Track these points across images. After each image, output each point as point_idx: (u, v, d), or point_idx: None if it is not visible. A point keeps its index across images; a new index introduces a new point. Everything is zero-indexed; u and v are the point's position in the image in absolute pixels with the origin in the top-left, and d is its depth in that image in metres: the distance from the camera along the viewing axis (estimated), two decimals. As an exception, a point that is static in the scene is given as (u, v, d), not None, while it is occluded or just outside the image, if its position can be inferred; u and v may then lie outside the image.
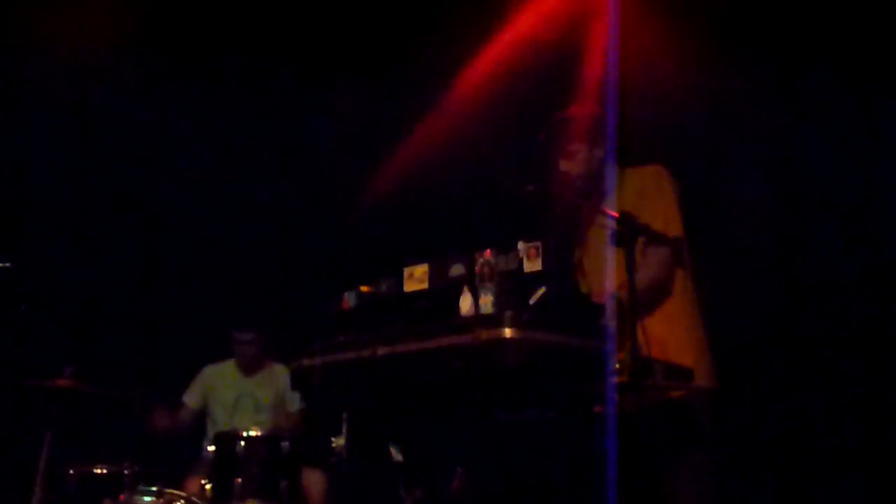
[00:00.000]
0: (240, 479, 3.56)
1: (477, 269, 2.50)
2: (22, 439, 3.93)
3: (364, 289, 2.85)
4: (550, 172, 3.01)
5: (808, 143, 3.71)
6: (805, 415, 3.64)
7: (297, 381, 2.97)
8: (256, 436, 3.70)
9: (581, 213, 3.18)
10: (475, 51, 4.27)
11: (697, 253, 3.05)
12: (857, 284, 3.59)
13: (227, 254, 5.02)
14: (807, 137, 3.71)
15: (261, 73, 4.80)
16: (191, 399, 4.47)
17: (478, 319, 2.38)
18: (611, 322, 2.56)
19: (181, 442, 4.50)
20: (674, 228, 2.93)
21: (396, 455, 3.01)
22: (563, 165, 3.03)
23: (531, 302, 2.42)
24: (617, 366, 2.50)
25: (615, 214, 2.59)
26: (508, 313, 2.30)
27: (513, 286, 2.44)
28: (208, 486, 3.62)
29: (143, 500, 3.60)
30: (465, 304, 2.50)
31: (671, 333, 2.90)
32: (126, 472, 3.71)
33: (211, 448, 3.76)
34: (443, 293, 2.58)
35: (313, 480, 3.98)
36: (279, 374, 4.48)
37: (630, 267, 2.46)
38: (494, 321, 2.32)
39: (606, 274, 2.92)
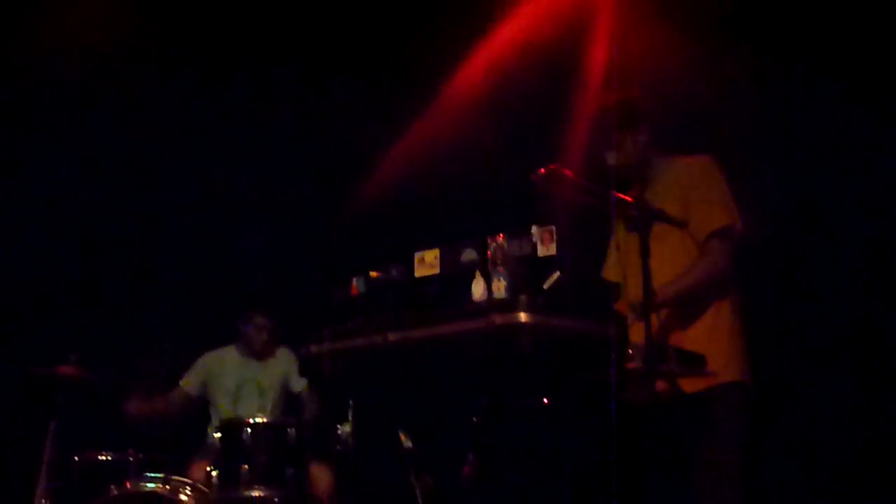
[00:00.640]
0: (246, 467, 3.54)
1: (489, 253, 2.47)
2: (26, 427, 3.90)
3: (373, 274, 2.82)
4: (563, 154, 2.96)
5: (811, 141, 3.68)
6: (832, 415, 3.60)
7: (306, 368, 2.95)
8: (263, 423, 3.69)
9: (599, 199, 3.10)
10: (483, 35, 4.23)
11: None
12: (863, 282, 3.57)
13: (235, 239, 4.99)
14: (810, 136, 3.68)
15: (269, 55, 4.75)
16: (187, 383, 4.42)
17: (492, 304, 2.35)
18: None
19: (185, 428, 4.47)
20: (739, 223, 2.86)
21: (406, 442, 2.99)
22: (611, 158, 2.92)
23: (545, 287, 2.39)
24: (630, 352, 2.48)
25: (629, 199, 2.55)
26: (523, 297, 2.27)
27: (526, 271, 2.41)
28: (214, 473, 3.60)
29: (149, 487, 3.58)
30: (478, 289, 2.47)
31: (697, 324, 2.84)
32: (131, 459, 3.70)
33: (217, 435, 3.74)
34: (454, 278, 2.56)
35: (320, 473, 3.96)
36: (282, 358, 4.46)
37: (644, 252, 2.43)
38: (509, 305, 2.29)
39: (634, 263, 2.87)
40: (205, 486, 3.60)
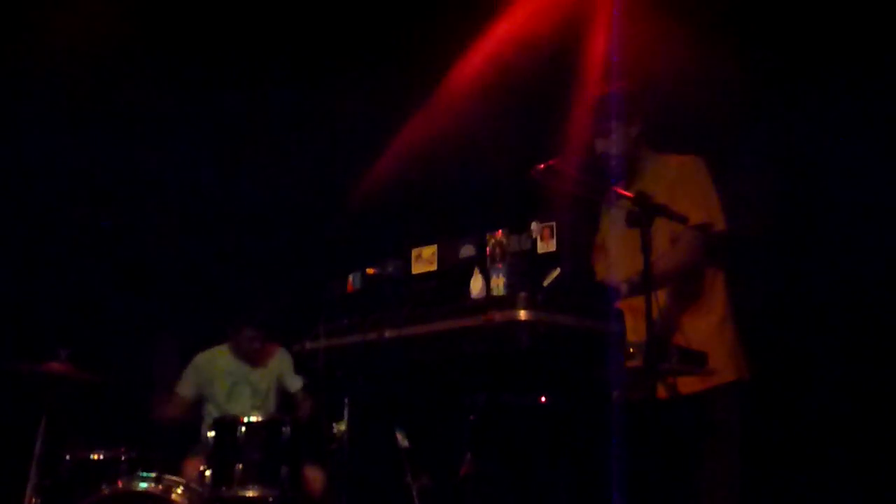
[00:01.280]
0: (240, 465, 3.50)
1: (488, 249, 2.43)
2: (17, 424, 3.86)
3: (370, 271, 2.78)
4: (562, 149, 2.93)
5: (813, 140, 3.67)
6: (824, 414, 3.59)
7: (301, 366, 2.91)
8: (257, 421, 3.64)
9: (599, 194, 3.09)
10: (482, 30, 4.19)
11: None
12: (865, 281, 3.55)
13: (230, 235, 4.94)
14: (812, 134, 3.66)
15: (266, 51, 4.71)
16: (184, 390, 4.37)
17: (490, 301, 2.32)
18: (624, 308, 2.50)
19: (179, 427, 4.42)
20: (718, 222, 2.85)
21: (403, 441, 2.95)
22: (600, 145, 2.94)
23: (545, 283, 2.36)
24: (630, 350, 2.45)
25: (630, 195, 2.52)
26: (522, 294, 2.23)
27: (526, 267, 2.37)
28: (207, 472, 3.55)
29: (141, 486, 3.53)
30: (476, 285, 2.43)
31: (699, 325, 2.84)
32: (123, 457, 3.66)
33: (211, 434, 3.69)
34: (452, 275, 2.51)
35: (313, 476, 3.92)
36: (277, 358, 4.41)
37: (646, 248, 2.40)
38: (508, 302, 2.25)
39: (622, 255, 2.87)
40: (198, 485, 3.55)
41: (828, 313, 3.60)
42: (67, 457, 3.63)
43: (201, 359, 4.44)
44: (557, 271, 2.35)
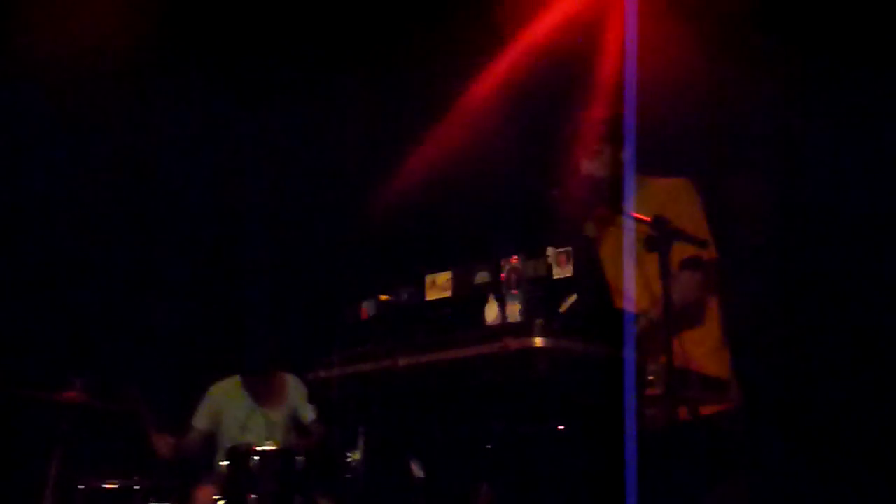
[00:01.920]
0: (253, 495, 3.46)
1: (503, 276, 2.40)
2: (31, 453, 3.84)
3: (384, 297, 2.76)
4: (572, 174, 2.90)
5: (821, 146, 3.64)
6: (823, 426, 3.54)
7: (314, 394, 2.88)
8: (271, 450, 3.60)
9: (599, 215, 3.06)
10: (494, 55, 4.20)
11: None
12: (866, 288, 3.51)
13: (244, 262, 4.93)
14: (820, 140, 3.64)
15: (275, 79, 4.73)
16: (200, 422, 4.31)
17: (506, 328, 2.28)
18: (641, 337, 2.47)
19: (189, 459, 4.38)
20: (709, 251, 2.80)
21: (417, 471, 2.90)
22: (587, 167, 2.92)
23: (561, 310, 2.32)
24: (650, 377, 2.40)
25: (647, 218, 2.48)
26: (538, 321, 2.20)
27: (541, 293, 2.34)
28: (221, 502, 3.51)
29: (154, 516, 3.50)
30: (491, 312, 2.40)
31: (700, 351, 2.80)
32: (136, 486, 3.64)
33: (224, 463, 3.65)
34: (467, 301, 2.49)
35: (329, 500, 3.86)
36: (291, 387, 4.37)
37: (665, 273, 2.36)
38: (524, 329, 2.22)
39: (628, 279, 2.82)
40: (211, 514, 3.52)
41: (829, 320, 3.55)
42: (81, 486, 3.61)
43: (216, 389, 4.40)
44: (574, 297, 2.31)
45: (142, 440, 4.12)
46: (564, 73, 3.94)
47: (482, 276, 2.50)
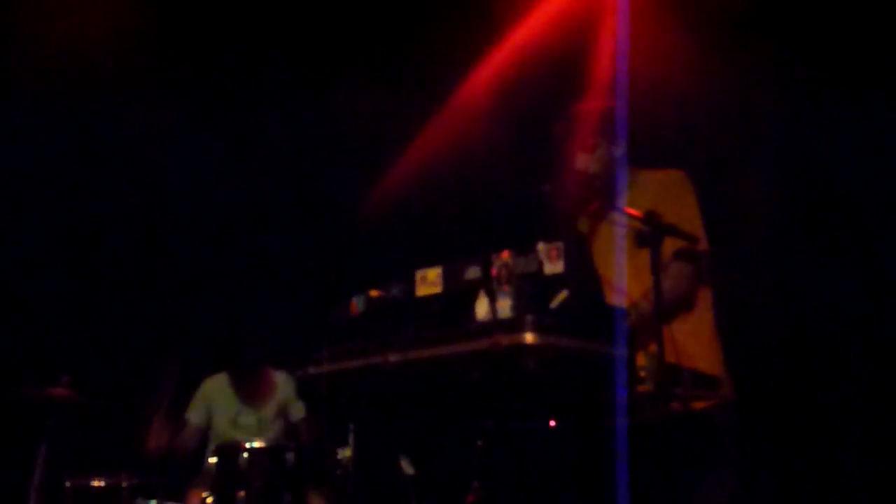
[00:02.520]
0: (242, 493, 3.42)
1: (494, 271, 2.37)
2: (16, 450, 3.80)
3: (374, 293, 2.73)
4: (565, 168, 2.88)
5: (819, 145, 3.63)
6: (821, 426, 3.54)
7: (304, 391, 2.85)
8: (260, 447, 3.57)
9: (591, 209, 3.05)
10: (485, 50, 4.18)
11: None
12: (866, 291, 3.50)
13: (230, 257, 4.90)
14: (818, 139, 3.63)
15: (266, 75, 4.69)
16: (194, 417, 4.29)
17: (496, 324, 2.25)
18: (631, 331, 2.45)
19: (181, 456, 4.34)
20: (701, 242, 2.79)
21: (408, 468, 2.88)
22: (580, 161, 2.90)
23: (552, 306, 2.29)
24: (641, 374, 2.38)
25: (638, 214, 2.47)
26: (529, 317, 2.17)
27: (532, 289, 2.31)
28: (209, 500, 3.48)
29: (141, 514, 3.47)
30: (482, 308, 2.37)
31: (693, 345, 2.80)
32: (124, 484, 3.61)
33: (213, 460, 3.62)
34: (457, 297, 2.45)
35: (319, 496, 3.83)
36: (281, 384, 4.34)
37: (655, 269, 2.34)
38: (514, 326, 2.19)
39: (619, 274, 2.81)
40: (200, 512, 3.48)
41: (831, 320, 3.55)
42: (68, 484, 3.58)
43: (209, 384, 4.37)
44: (565, 293, 2.29)
45: (131, 435, 4.09)
46: (556, 68, 3.92)
47: (472, 272, 2.47)
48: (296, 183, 4.81)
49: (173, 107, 4.66)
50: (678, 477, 2.61)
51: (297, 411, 4.26)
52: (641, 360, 2.48)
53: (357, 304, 2.77)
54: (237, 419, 4.28)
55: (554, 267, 2.34)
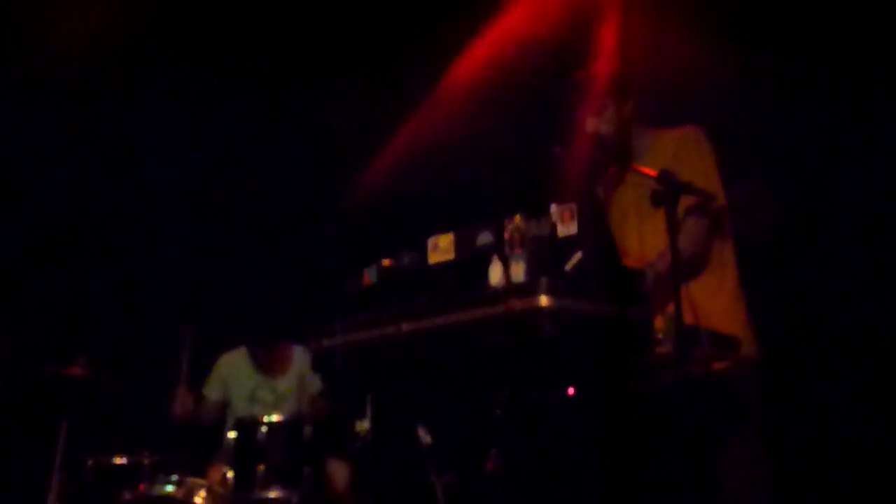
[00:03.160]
0: (262, 467, 3.43)
1: (506, 235, 2.34)
2: (37, 430, 3.83)
3: (386, 263, 2.70)
4: (576, 131, 2.83)
5: (814, 140, 3.57)
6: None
7: (318, 364, 2.84)
8: (278, 421, 3.56)
9: (608, 173, 3.00)
10: (492, 17, 4.10)
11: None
12: (864, 282, 3.47)
13: (243, 232, 4.89)
14: (813, 134, 3.56)
15: (267, 48, 4.65)
16: (211, 393, 4.31)
17: (510, 289, 2.23)
18: (647, 292, 2.40)
19: (202, 430, 4.37)
20: (718, 197, 2.74)
21: (425, 437, 2.87)
22: (591, 124, 2.85)
23: (567, 268, 2.25)
24: (659, 335, 2.34)
25: (653, 173, 2.41)
26: (543, 280, 2.14)
27: (546, 252, 2.27)
28: (230, 475, 3.49)
29: (164, 490, 3.48)
30: (496, 273, 2.34)
31: (713, 304, 2.75)
32: (145, 461, 3.61)
33: (232, 435, 3.63)
34: (471, 263, 2.43)
35: (337, 468, 3.84)
36: (298, 358, 4.34)
37: (672, 228, 2.28)
38: (528, 290, 2.16)
39: (639, 236, 2.76)
40: (221, 487, 3.49)
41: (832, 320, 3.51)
42: (90, 462, 3.59)
43: (224, 360, 4.39)
44: (579, 255, 2.24)
45: (152, 408, 4.11)
46: (567, 31, 3.84)
47: (485, 237, 2.43)
48: (304, 155, 4.78)
49: (169, 91, 4.64)
50: (701, 439, 2.57)
51: (315, 384, 4.26)
52: (659, 321, 2.45)
53: (369, 274, 2.75)
54: (255, 393, 4.29)
55: (567, 229, 2.30)
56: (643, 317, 2.33)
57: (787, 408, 3.41)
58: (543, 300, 2.12)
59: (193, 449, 4.04)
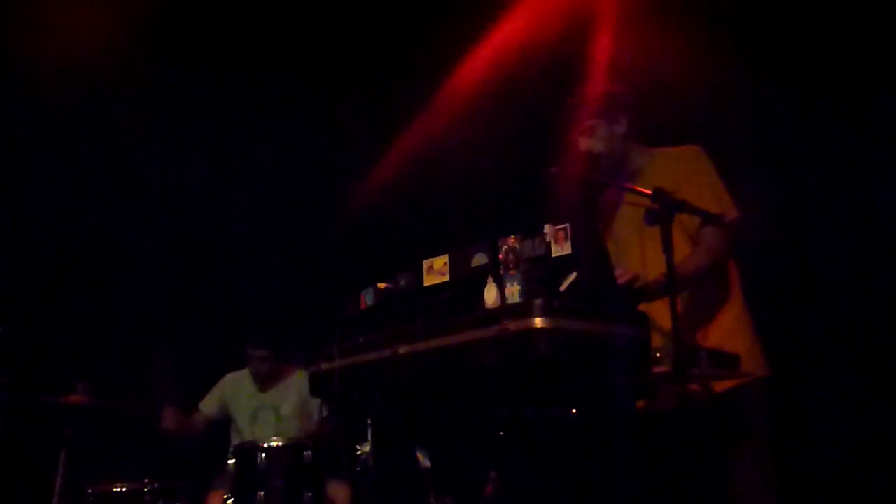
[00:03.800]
0: (262, 493, 3.41)
1: (501, 256, 2.32)
2: (37, 458, 3.81)
3: (381, 285, 2.69)
4: (569, 152, 2.83)
5: (813, 143, 3.56)
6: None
7: (317, 387, 2.83)
8: (278, 446, 3.56)
9: (607, 194, 3.00)
10: (483, 36, 4.13)
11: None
12: (862, 283, 3.47)
13: (239, 257, 4.89)
14: (812, 136, 3.56)
15: (265, 67, 4.67)
16: (207, 407, 4.34)
17: (505, 310, 2.20)
18: (645, 312, 2.38)
19: (203, 456, 4.35)
20: (730, 211, 2.72)
21: (424, 461, 2.84)
22: (584, 143, 2.86)
23: (561, 289, 2.24)
24: (657, 354, 2.32)
25: (647, 191, 2.40)
26: (538, 301, 2.12)
27: (541, 273, 2.25)
28: (230, 502, 3.47)
29: (163, 518, 3.46)
30: (491, 294, 2.32)
31: (721, 321, 2.74)
32: (146, 489, 3.60)
33: (231, 461, 3.61)
34: (466, 285, 2.41)
35: (338, 492, 3.81)
36: (299, 381, 4.33)
37: (667, 247, 2.27)
38: (523, 311, 2.14)
39: (641, 255, 2.75)
40: (221, 514, 3.48)
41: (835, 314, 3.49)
42: (89, 490, 3.58)
43: (229, 379, 4.42)
44: (574, 275, 2.23)
45: (149, 438, 4.10)
46: (558, 52, 3.86)
47: (480, 258, 2.42)
48: (297, 177, 4.79)
49: (173, 108, 4.65)
50: (708, 458, 2.54)
51: (316, 408, 4.25)
52: (658, 340, 2.43)
53: (366, 297, 2.73)
54: (257, 414, 4.30)
55: (562, 249, 2.29)
56: (641, 336, 2.31)
57: (795, 425, 3.38)
58: (538, 321, 2.10)
59: (193, 476, 4.03)
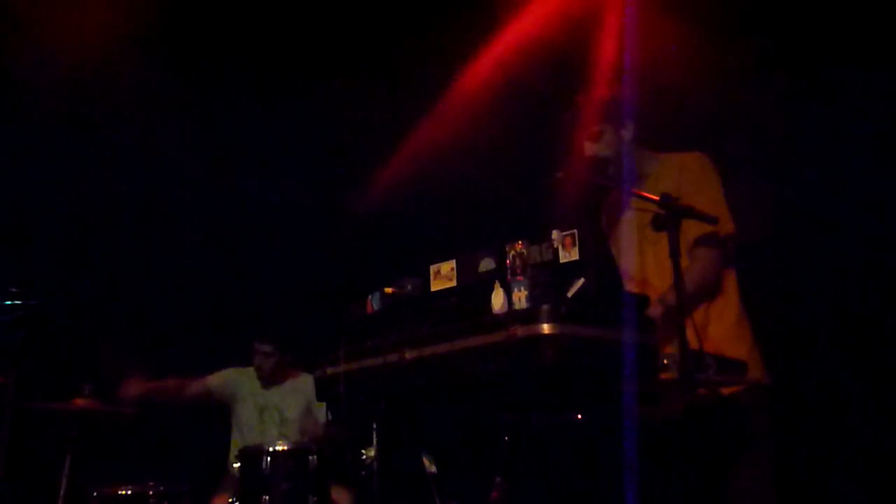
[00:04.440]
0: (266, 497, 3.40)
1: (508, 262, 2.32)
2: (43, 462, 3.81)
3: (388, 290, 2.69)
4: (576, 156, 2.84)
5: (816, 143, 3.56)
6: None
7: (322, 391, 2.82)
8: (282, 450, 3.55)
9: (611, 197, 3.00)
10: (489, 41, 4.13)
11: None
12: (864, 287, 3.46)
13: (247, 261, 4.90)
14: (814, 138, 3.55)
15: (271, 72, 4.67)
16: (213, 381, 4.35)
17: (512, 315, 2.20)
18: (655, 321, 2.38)
19: (207, 460, 4.35)
20: (725, 226, 2.73)
21: (430, 466, 2.83)
22: (589, 148, 2.86)
23: (569, 294, 2.23)
24: (665, 361, 2.32)
25: (655, 197, 2.40)
26: (545, 307, 2.11)
27: (548, 278, 2.25)
28: (235, 505, 3.47)
29: (169, 522, 3.46)
30: (498, 300, 2.31)
31: (720, 329, 2.74)
32: (151, 492, 3.60)
33: (236, 465, 3.61)
34: (473, 290, 2.40)
35: (343, 496, 3.81)
36: (305, 385, 4.33)
37: (674, 252, 2.27)
38: (530, 316, 2.13)
39: (642, 260, 2.75)
40: (225, 518, 3.48)
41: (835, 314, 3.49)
42: (95, 493, 3.58)
43: (238, 373, 4.42)
44: (582, 281, 2.23)
45: (155, 445, 4.10)
46: (564, 56, 3.86)
47: (487, 264, 2.42)
48: (303, 182, 4.79)
49: (179, 112, 4.65)
50: (710, 464, 2.54)
51: (322, 412, 4.25)
52: (664, 346, 2.42)
53: (373, 301, 2.73)
54: (263, 413, 4.30)
55: (569, 255, 2.29)
56: (648, 342, 2.31)
57: (795, 431, 3.37)
58: (546, 327, 2.10)
59: (198, 480, 4.03)
